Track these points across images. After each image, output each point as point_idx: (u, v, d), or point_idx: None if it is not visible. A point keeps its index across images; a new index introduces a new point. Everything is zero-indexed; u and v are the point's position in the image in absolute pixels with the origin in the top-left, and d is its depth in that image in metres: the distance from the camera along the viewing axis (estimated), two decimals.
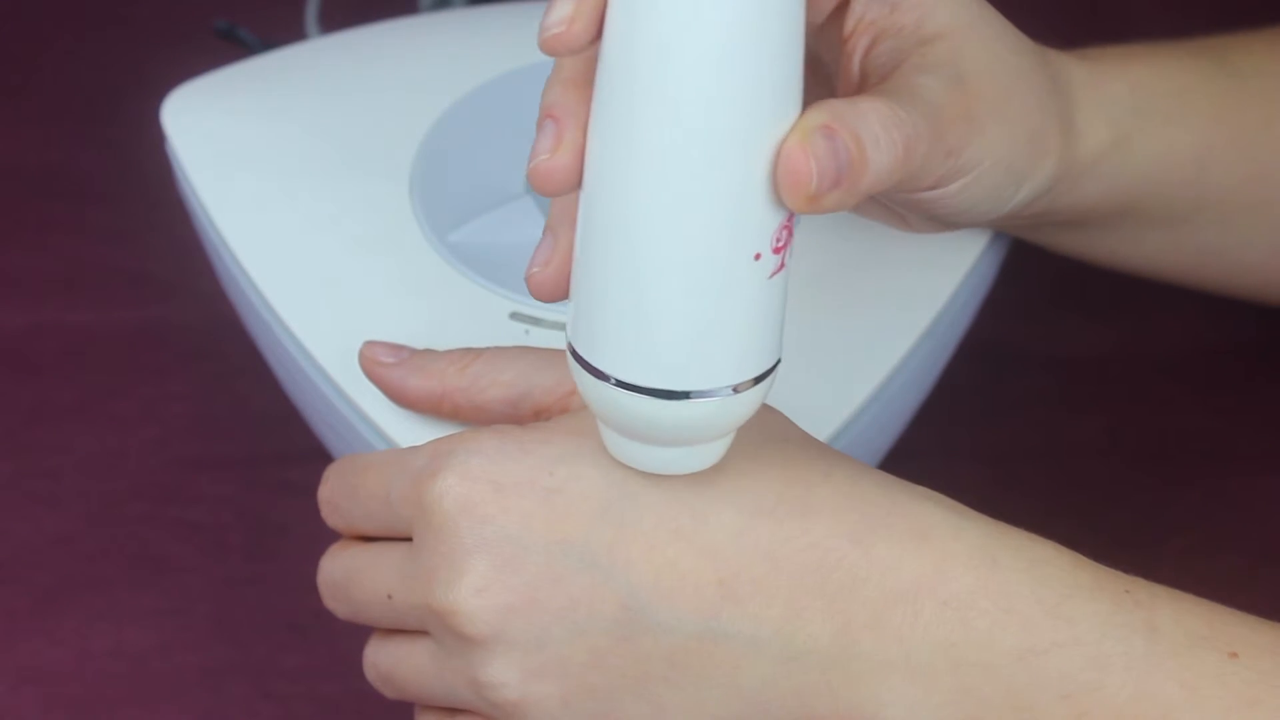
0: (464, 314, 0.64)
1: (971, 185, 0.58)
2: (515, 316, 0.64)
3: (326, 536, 0.60)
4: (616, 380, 0.50)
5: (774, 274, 0.50)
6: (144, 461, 0.75)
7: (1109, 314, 0.79)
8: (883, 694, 0.52)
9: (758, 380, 0.51)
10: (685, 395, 0.50)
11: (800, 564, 0.52)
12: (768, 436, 0.55)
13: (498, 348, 0.59)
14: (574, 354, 0.51)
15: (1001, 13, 0.60)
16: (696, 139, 0.48)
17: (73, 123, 0.87)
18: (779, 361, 0.52)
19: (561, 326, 0.63)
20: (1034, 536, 0.53)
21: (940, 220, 0.62)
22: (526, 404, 0.58)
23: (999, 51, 0.58)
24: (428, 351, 0.60)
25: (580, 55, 0.50)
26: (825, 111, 0.49)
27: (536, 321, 0.63)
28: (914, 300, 0.65)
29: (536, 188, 0.51)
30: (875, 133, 0.51)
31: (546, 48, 0.49)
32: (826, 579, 0.52)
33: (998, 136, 0.58)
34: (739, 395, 0.51)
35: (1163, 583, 0.54)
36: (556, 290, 0.53)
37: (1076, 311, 0.79)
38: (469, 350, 0.59)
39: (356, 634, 0.60)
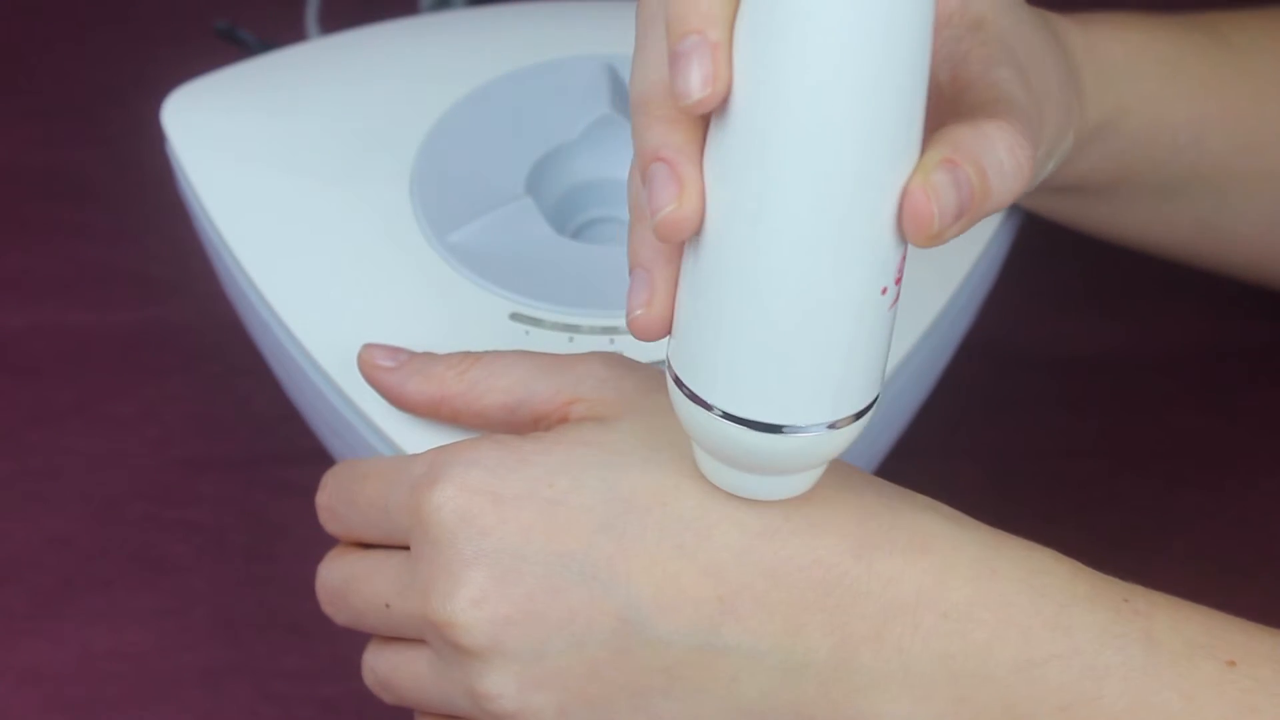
0: (464, 314, 0.64)
1: None
2: (515, 317, 0.64)
3: (326, 538, 0.60)
4: (723, 412, 0.50)
5: (894, 304, 0.49)
6: (144, 461, 0.75)
7: (1109, 314, 0.79)
8: (881, 706, 0.52)
9: (860, 415, 0.51)
10: (791, 430, 0.50)
11: (802, 581, 0.52)
12: None
13: (496, 352, 0.59)
14: (677, 381, 0.51)
15: None
16: (831, 183, 0.47)
17: (73, 123, 0.87)
18: (879, 394, 0.51)
19: (563, 328, 0.63)
20: (1033, 545, 0.53)
21: None
22: (524, 411, 0.58)
23: (1027, 31, 0.57)
24: (427, 355, 0.60)
25: None
26: (947, 145, 0.48)
27: (536, 322, 0.63)
28: (914, 300, 0.65)
29: (662, 238, 0.49)
30: (1000, 159, 0.50)
31: (696, 110, 0.47)
32: (828, 594, 0.52)
33: (1052, 123, 0.57)
34: (843, 430, 0.50)
35: (1162, 585, 0.53)
36: (662, 330, 0.51)
37: (1077, 312, 0.79)
38: (468, 354, 0.59)
39: (356, 635, 0.60)
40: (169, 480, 0.74)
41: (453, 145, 0.69)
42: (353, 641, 0.60)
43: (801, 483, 0.52)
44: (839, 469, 0.54)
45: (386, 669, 0.58)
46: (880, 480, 0.55)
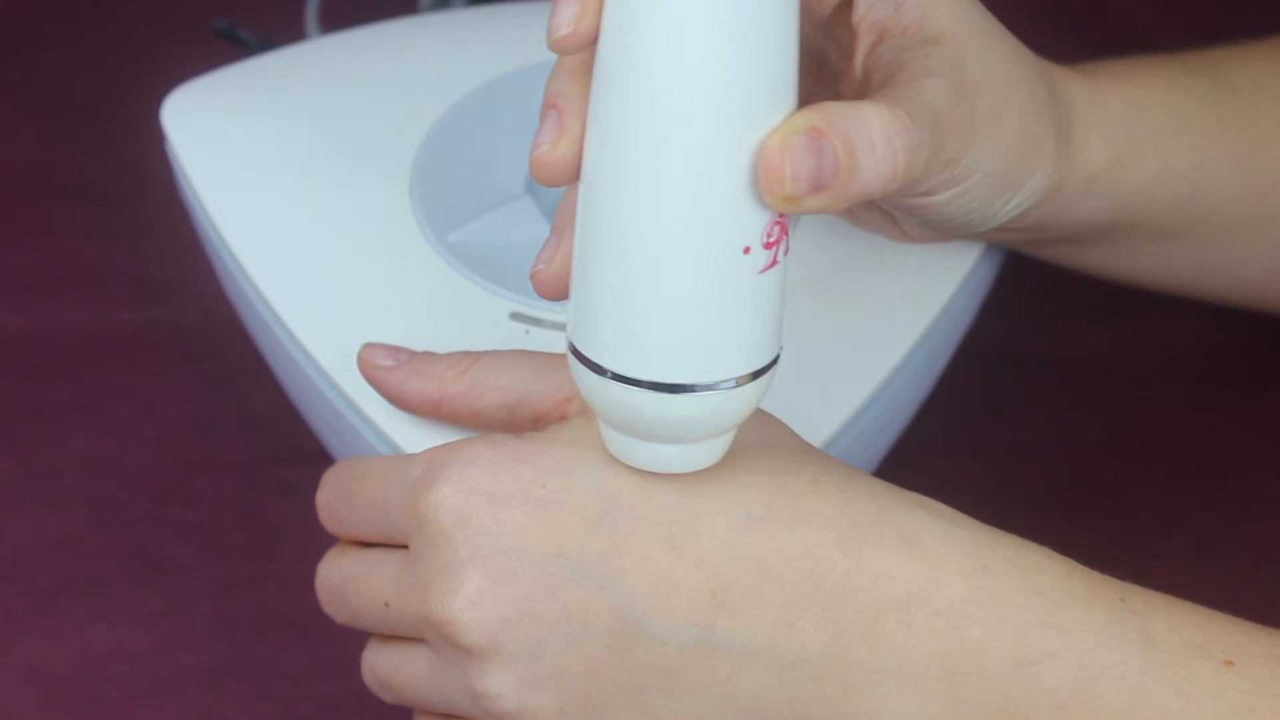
0: (464, 314, 0.64)
1: (964, 194, 0.58)
2: (515, 317, 0.64)
3: (326, 537, 0.60)
4: (613, 374, 0.51)
5: (765, 269, 0.50)
6: (144, 461, 0.75)
7: (1108, 314, 0.79)
8: (877, 703, 0.52)
9: (755, 376, 0.51)
10: (677, 389, 0.50)
11: (791, 574, 0.52)
12: (757, 442, 0.55)
13: (495, 352, 0.59)
14: (573, 350, 0.52)
15: (1009, 19, 0.60)
16: (684, 132, 0.48)
17: (72, 122, 0.87)
18: (777, 358, 0.52)
19: (561, 328, 0.63)
20: (1027, 543, 0.53)
21: (931, 227, 0.62)
22: (524, 410, 0.58)
23: (996, 58, 0.58)
24: (426, 354, 0.60)
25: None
26: (817, 113, 0.50)
27: (536, 322, 0.63)
28: (914, 301, 0.65)
29: (536, 177, 0.51)
30: (872, 140, 0.51)
31: (555, 48, 0.50)
32: (818, 588, 0.52)
33: (994, 147, 0.58)
34: (734, 391, 0.51)
35: (1161, 583, 0.54)
36: (559, 288, 0.53)
37: (1076, 312, 0.79)
38: (467, 354, 0.59)
39: (356, 634, 0.60)
40: (169, 480, 0.74)
41: (453, 145, 0.69)
42: (352, 640, 0.60)
43: (706, 453, 0.53)
44: (822, 462, 0.55)
45: (386, 668, 0.58)
46: (869, 476, 0.55)
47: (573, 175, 0.51)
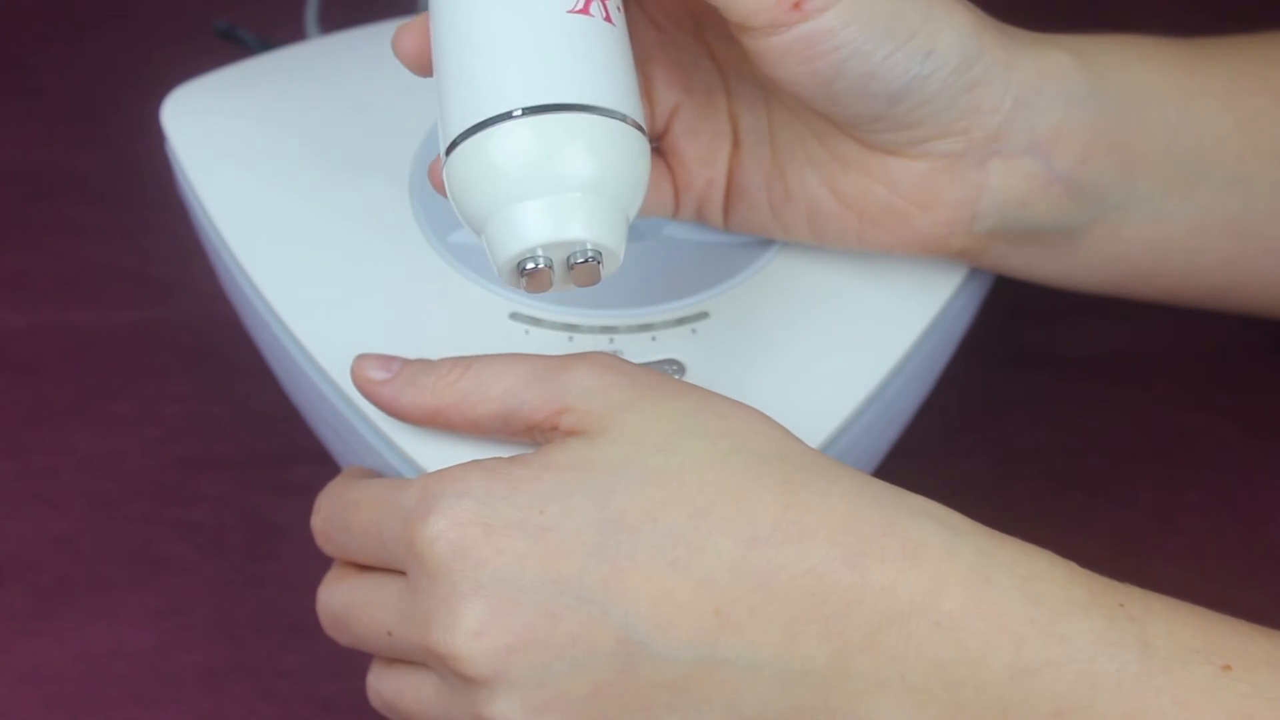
0: (464, 314, 0.64)
1: (851, 22, 0.56)
2: (515, 317, 0.64)
3: None
4: (470, 127, 0.54)
5: (574, 11, 0.54)
6: (144, 461, 0.75)
7: (1109, 314, 0.78)
8: (878, 711, 0.52)
9: (598, 112, 0.53)
10: (503, 117, 0.53)
11: (796, 590, 0.52)
12: (764, 457, 0.54)
13: (486, 359, 0.58)
14: (445, 155, 0.55)
15: (1005, 17, 0.60)
16: None
17: (72, 123, 0.87)
18: (626, 118, 0.54)
19: (563, 327, 0.63)
20: (1029, 548, 0.53)
21: (859, 88, 0.58)
22: (517, 420, 0.58)
23: None
24: (419, 363, 0.60)
25: None
26: None
27: (536, 322, 0.63)
28: (914, 301, 0.65)
29: (396, 51, 0.58)
30: None
31: None
32: (822, 603, 0.52)
33: None
34: (571, 119, 0.53)
35: (1162, 585, 0.54)
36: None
37: (1077, 311, 0.79)
38: (459, 361, 0.59)
39: None
40: (169, 480, 0.74)
41: None
42: None
43: (595, 212, 0.54)
44: (831, 473, 0.54)
45: (391, 693, 0.58)
46: (875, 481, 0.55)
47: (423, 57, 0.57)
